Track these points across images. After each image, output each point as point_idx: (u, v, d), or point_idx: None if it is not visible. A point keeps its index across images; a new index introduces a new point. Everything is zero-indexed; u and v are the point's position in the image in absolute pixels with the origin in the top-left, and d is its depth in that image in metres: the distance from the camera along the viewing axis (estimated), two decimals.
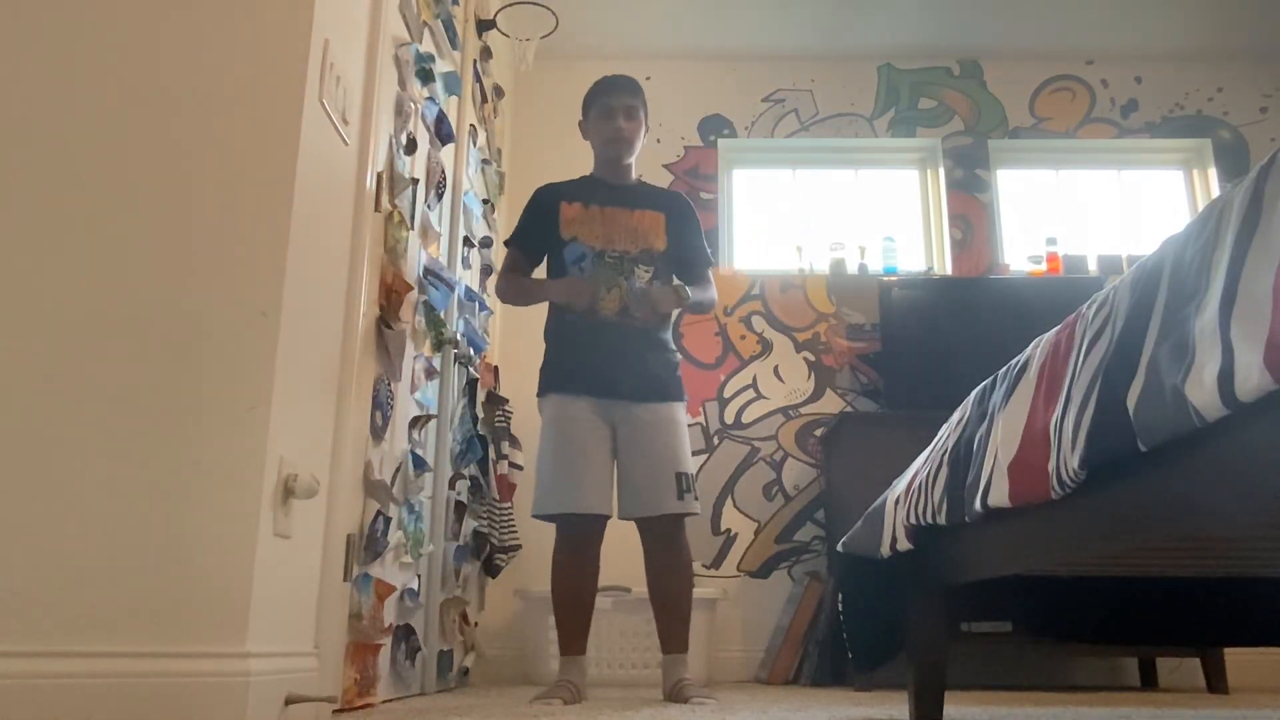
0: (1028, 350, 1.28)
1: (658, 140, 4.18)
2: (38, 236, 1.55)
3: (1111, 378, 0.97)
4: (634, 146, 2.68)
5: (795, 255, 4.15)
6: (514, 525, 3.43)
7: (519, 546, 3.41)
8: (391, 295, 2.29)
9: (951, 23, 4.14)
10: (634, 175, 2.73)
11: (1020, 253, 4.14)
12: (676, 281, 2.55)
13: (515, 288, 2.67)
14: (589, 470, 2.45)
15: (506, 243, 2.72)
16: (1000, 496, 1.21)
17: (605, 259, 2.54)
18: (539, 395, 2.58)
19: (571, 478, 2.44)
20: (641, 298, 2.49)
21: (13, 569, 1.42)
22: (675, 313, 2.68)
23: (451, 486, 2.89)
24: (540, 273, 2.73)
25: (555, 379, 2.54)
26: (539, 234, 2.64)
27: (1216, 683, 3.17)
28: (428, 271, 2.66)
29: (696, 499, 2.51)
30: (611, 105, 2.65)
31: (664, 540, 2.48)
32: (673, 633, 2.48)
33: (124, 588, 1.44)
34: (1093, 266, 4.07)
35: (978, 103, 4.30)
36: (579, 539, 2.47)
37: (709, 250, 2.76)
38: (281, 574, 1.63)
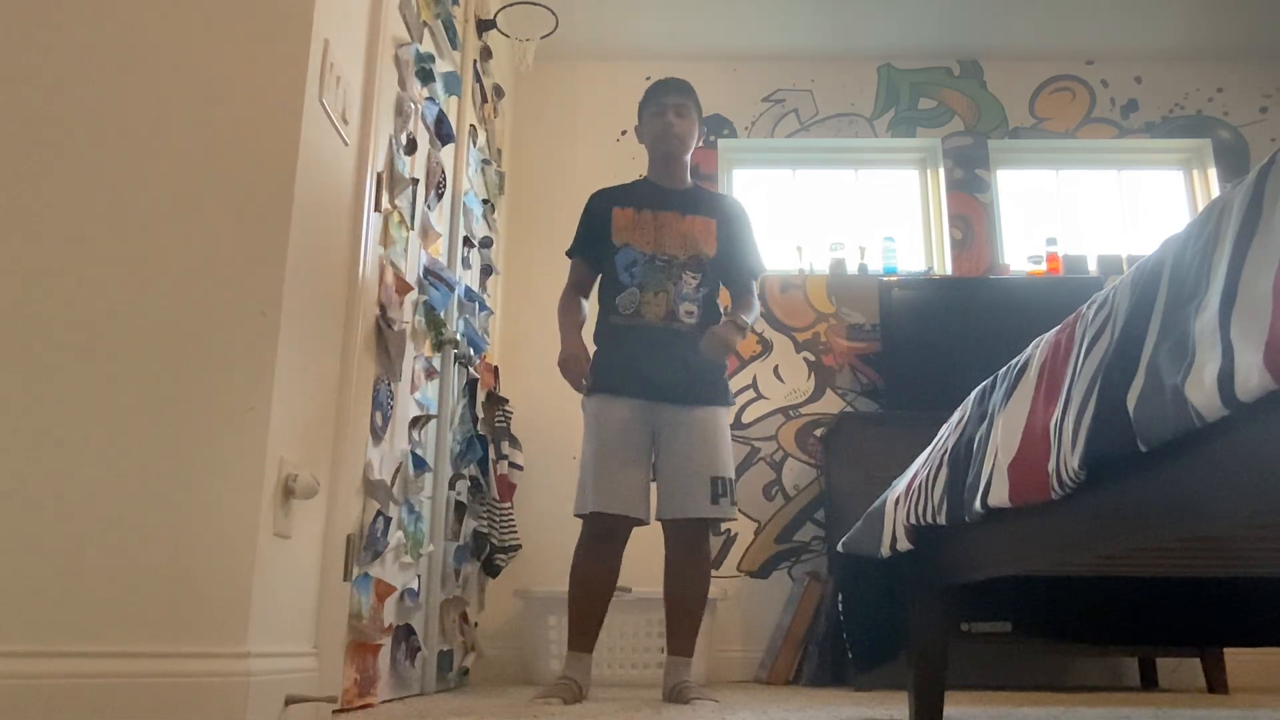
0: (1028, 350, 1.28)
1: None
2: (36, 236, 1.55)
3: (1111, 378, 0.97)
4: (687, 144, 2.67)
5: (795, 255, 4.15)
6: (514, 525, 3.43)
7: (519, 546, 3.41)
8: (391, 295, 2.29)
9: (951, 23, 4.14)
10: (688, 179, 2.72)
11: (1020, 253, 4.14)
12: (726, 316, 2.55)
13: (560, 312, 2.67)
14: (620, 471, 2.45)
15: (568, 253, 2.72)
16: (1000, 496, 1.21)
17: (655, 263, 2.55)
18: (585, 395, 2.59)
19: (602, 477, 2.44)
20: (711, 341, 2.48)
21: (12, 569, 1.42)
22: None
23: (451, 486, 2.89)
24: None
25: (601, 380, 2.54)
26: (595, 242, 2.64)
27: (1216, 683, 3.17)
28: (428, 271, 2.66)
29: (733, 504, 2.50)
30: (662, 104, 2.65)
31: (688, 544, 2.49)
32: (681, 636, 2.49)
33: (124, 588, 1.44)
34: (1093, 266, 4.07)
35: (978, 103, 4.30)
36: (601, 537, 2.47)
37: (760, 258, 2.72)
38: (281, 574, 1.63)
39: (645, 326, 2.53)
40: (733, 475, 2.52)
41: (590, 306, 2.72)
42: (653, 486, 2.53)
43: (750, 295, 2.67)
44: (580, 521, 2.51)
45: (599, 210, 2.66)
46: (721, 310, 2.66)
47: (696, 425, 2.49)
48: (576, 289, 2.70)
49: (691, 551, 2.50)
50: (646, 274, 2.55)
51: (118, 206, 1.58)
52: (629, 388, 2.50)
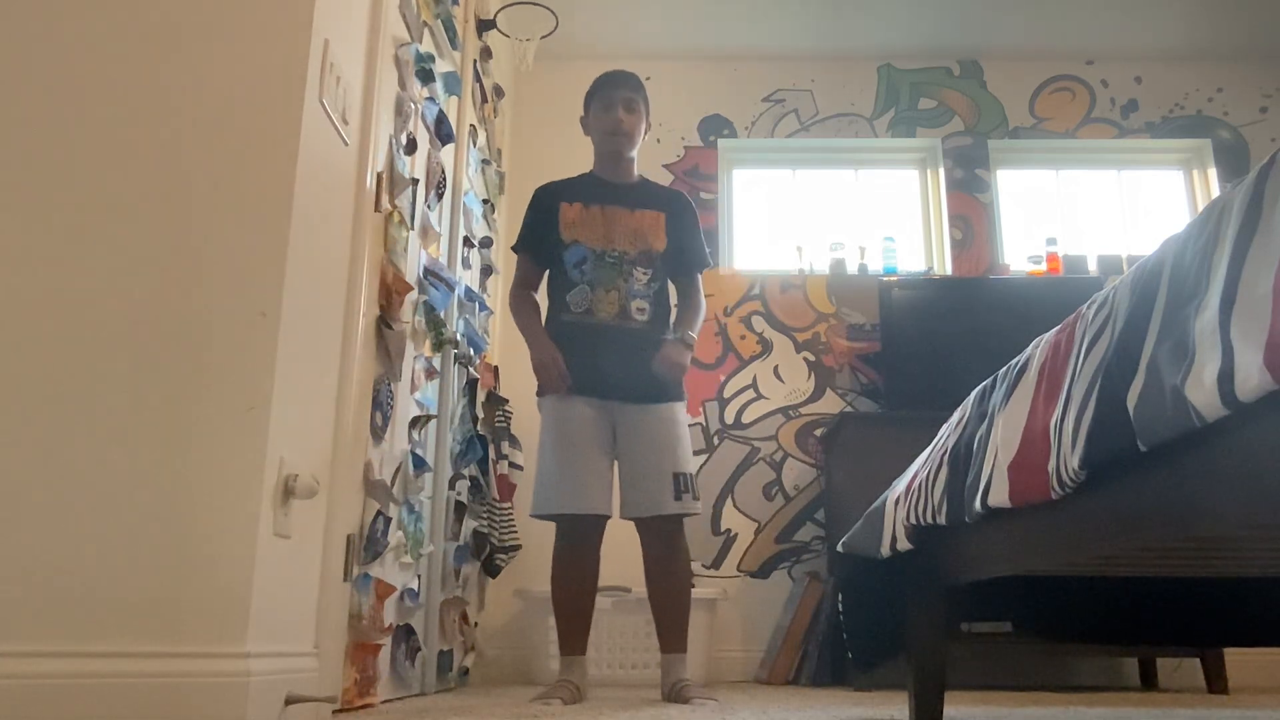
0: (1028, 350, 1.28)
1: (658, 140, 4.18)
2: (36, 236, 1.55)
3: (1111, 378, 0.97)
4: (634, 140, 2.66)
5: (795, 255, 4.15)
6: (514, 525, 3.43)
7: (519, 546, 3.41)
8: (391, 295, 2.29)
9: (951, 23, 4.14)
10: (635, 173, 2.72)
11: (1020, 253, 4.14)
12: (674, 335, 2.55)
13: (517, 312, 2.64)
14: (588, 470, 2.45)
15: (514, 248, 2.71)
16: (1000, 496, 1.21)
17: (605, 260, 2.54)
18: (539, 395, 2.58)
19: (571, 478, 2.44)
20: (661, 362, 2.48)
21: (13, 569, 1.42)
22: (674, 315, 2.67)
23: (451, 486, 2.89)
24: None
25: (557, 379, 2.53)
26: (543, 237, 2.62)
27: (1216, 683, 3.17)
28: (428, 271, 2.66)
29: (696, 499, 2.50)
30: (612, 98, 2.64)
31: (662, 540, 2.49)
32: (671, 633, 2.48)
33: (124, 588, 1.44)
34: (1093, 266, 4.07)
35: (978, 103, 4.30)
36: (578, 539, 2.48)
37: (706, 252, 2.73)
38: (281, 574, 1.63)
39: (598, 325, 2.52)
40: (693, 470, 2.52)
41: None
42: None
43: (697, 293, 2.68)
44: (546, 522, 2.52)
45: (546, 205, 2.63)
46: (672, 307, 2.66)
47: (655, 424, 2.49)
48: (526, 286, 2.67)
49: (668, 547, 2.50)
50: (597, 271, 2.54)
51: (117, 206, 1.58)
52: (585, 387, 2.50)
